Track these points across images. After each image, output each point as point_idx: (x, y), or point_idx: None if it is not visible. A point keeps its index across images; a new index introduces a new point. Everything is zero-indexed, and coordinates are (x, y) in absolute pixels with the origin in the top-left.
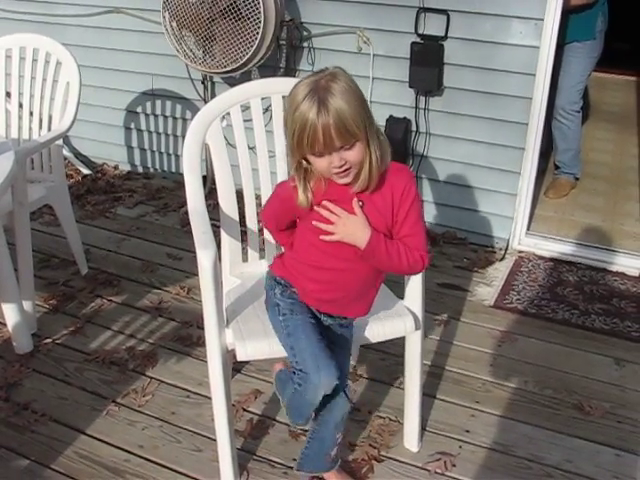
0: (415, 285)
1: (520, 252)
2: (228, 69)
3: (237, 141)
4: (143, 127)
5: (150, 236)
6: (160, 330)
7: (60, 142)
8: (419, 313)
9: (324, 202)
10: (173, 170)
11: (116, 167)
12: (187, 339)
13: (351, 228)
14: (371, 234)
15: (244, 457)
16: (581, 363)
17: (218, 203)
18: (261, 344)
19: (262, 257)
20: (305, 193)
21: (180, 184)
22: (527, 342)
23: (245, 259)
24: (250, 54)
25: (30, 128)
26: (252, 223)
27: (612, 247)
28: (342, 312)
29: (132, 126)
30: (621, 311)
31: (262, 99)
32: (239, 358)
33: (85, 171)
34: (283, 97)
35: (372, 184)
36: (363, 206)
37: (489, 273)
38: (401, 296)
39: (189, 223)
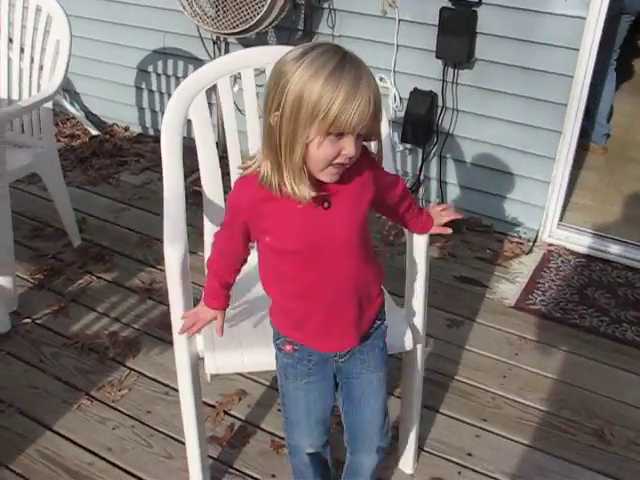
0: (417, 291)
1: (550, 245)
2: (238, 30)
3: (226, 123)
4: (154, 87)
5: (152, 207)
6: (147, 315)
7: (49, 105)
8: (420, 325)
9: None
10: (185, 134)
11: (127, 128)
12: None
13: None
14: None
15: (218, 469)
16: (607, 380)
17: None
18: (233, 356)
19: (252, 247)
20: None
21: (192, 150)
22: (547, 351)
23: None
24: (262, 14)
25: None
26: None
27: None
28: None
29: (143, 86)
30: None
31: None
32: (208, 371)
33: (94, 132)
34: None
35: None
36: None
37: (513, 267)
38: (399, 301)
39: (196, 194)
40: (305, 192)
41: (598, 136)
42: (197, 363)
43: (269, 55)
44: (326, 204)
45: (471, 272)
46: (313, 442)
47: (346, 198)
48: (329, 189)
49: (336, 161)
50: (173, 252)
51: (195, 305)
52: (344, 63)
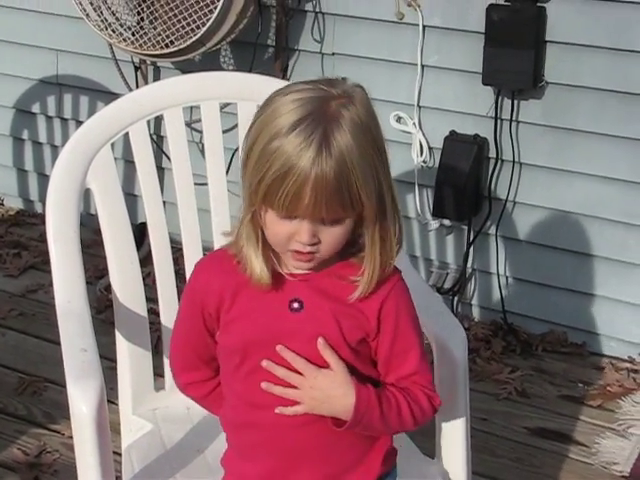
0: (453, 432)
1: None
2: (173, 49)
3: (145, 194)
4: (43, 138)
5: (41, 329)
6: None
7: None
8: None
9: (279, 347)
10: (92, 211)
11: None
12: None
13: (324, 393)
14: (357, 397)
15: None
16: None
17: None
18: None
19: None
20: (265, 262)
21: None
22: None
23: (161, 385)
24: (210, 24)
25: None
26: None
27: None
28: None
29: (25, 135)
30: None
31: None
32: None
33: None
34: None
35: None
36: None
37: (624, 411)
38: (428, 451)
39: (109, 306)
40: (257, 267)
41: None
42: None
43: (211, 85)
44: (296, 304)
45: (554, 421)
46: None
47: (329, 307)
48: (307, 287)
49: (290, 247)
50: (83, 396)
51: None
52: (305, 118)
